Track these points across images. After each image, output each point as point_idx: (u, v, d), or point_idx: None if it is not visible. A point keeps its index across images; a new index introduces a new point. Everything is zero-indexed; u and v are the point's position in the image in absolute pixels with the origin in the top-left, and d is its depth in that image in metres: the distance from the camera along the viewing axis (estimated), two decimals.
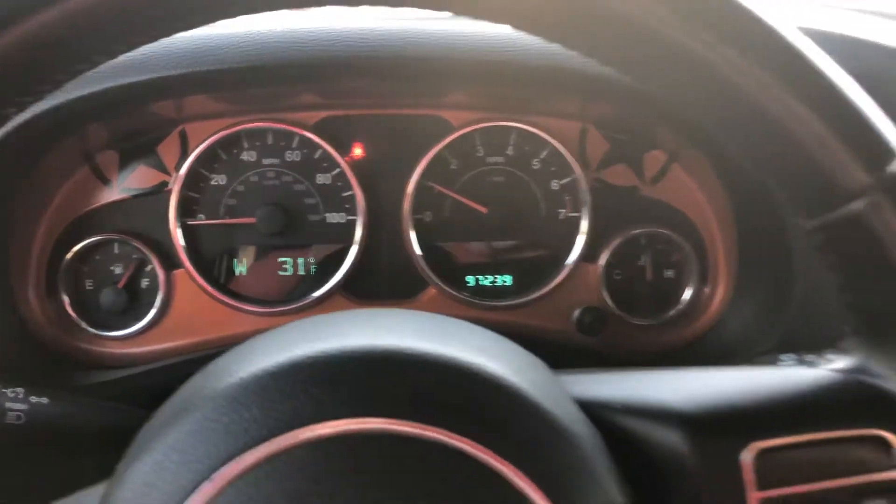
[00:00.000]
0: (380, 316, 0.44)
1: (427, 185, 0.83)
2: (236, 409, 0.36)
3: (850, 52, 0.69)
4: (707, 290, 0.85)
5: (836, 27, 0.70)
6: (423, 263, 0.82)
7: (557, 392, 0.41)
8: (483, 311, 0.84)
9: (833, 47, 0.70)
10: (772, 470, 0.40)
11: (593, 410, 0.42)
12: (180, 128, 0.82)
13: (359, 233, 0.82)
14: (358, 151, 0.83)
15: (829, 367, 0.45)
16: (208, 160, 0.82)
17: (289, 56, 0.74)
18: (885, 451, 0.41)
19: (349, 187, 0.82)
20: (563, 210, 0.84)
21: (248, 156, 0.83)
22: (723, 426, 0.41)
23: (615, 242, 0.83)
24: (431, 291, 0.84)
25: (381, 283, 0.83)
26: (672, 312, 0.84)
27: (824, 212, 0.40)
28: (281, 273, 0.84)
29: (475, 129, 0.82)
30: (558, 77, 0.71)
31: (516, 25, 0.39)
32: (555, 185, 0.84)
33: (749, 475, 0.40)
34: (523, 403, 0.38)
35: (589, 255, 0.83)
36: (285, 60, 0.74)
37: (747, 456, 0.40)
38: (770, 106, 0.39)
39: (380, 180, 0.83)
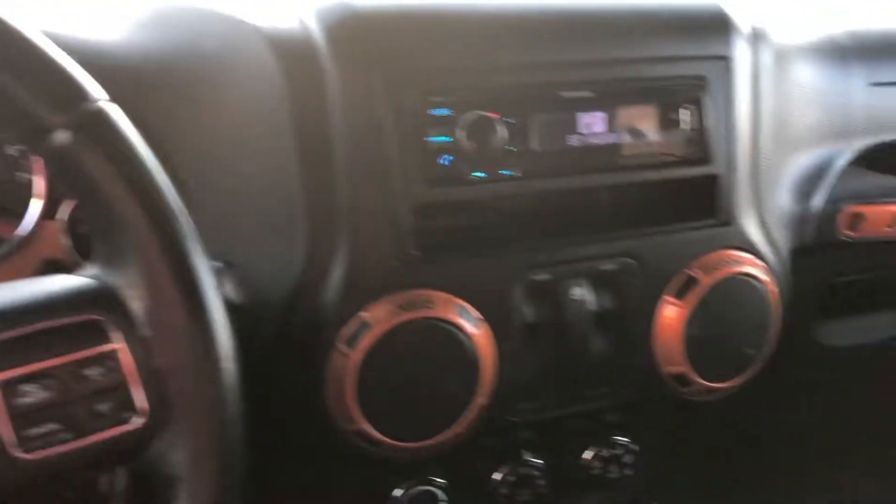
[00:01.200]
0: None
1: None
2: None
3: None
4: None
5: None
6: None
7: None
8: None
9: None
10: (10, 356, 0.51)
11: None
12: None
13: None
14: None
15: (83, 273, 0.57)
16: None
17: None
18: (100, 331, 0.53)
19: None
20: (21, 173, 0.91)
21: None
22: None
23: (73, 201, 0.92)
24: None
25: None
26: None
27: (37, 146, 0.51)
28: None
29: None
30: None
31: None
32: (11, 151, 0.90)
33: None
34: None
35: (48, 213, 0.91)
36: None
37: None
38: None
39: None
